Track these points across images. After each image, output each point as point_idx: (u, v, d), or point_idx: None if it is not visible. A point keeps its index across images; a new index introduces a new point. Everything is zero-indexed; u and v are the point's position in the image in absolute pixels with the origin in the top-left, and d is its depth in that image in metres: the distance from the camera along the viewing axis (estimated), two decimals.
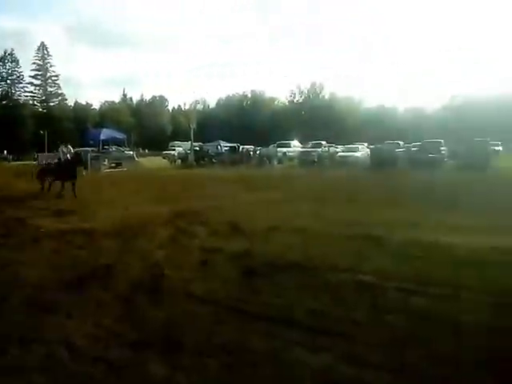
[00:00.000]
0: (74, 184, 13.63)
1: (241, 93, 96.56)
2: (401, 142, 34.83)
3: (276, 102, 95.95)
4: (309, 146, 37.50)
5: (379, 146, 34.35)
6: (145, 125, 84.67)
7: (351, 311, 3.92)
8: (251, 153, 37.18)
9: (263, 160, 34.10)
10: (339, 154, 34.39)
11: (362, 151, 34.51)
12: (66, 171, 13.87)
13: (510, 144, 47.90)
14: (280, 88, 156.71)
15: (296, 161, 34.42)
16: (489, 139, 30.21)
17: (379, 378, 2.85)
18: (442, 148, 29.95)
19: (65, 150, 15.27)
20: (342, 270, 5.09)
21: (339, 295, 4.35)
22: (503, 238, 6.44)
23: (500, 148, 41.64)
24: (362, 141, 42.56)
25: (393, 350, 3.22)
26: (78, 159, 14.89)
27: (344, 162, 30.80)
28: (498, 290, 4.32)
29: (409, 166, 27.05)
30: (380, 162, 28.07)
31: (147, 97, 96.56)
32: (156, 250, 6.27)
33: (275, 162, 34.17)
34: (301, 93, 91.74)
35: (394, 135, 45.87)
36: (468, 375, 2.85)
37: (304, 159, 32.71)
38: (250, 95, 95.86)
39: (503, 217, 8.29)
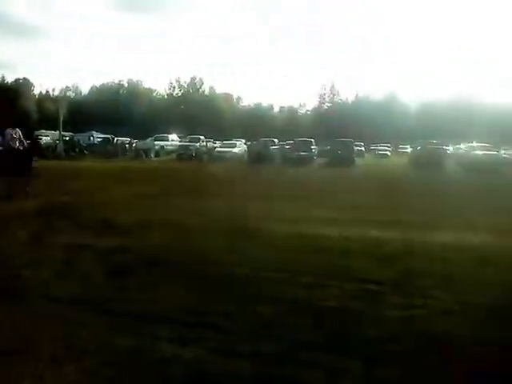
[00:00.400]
0: (28, 182, 10.37)
1: (116, 81, 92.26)
2: (275, 140, 36.42)
3: (154, 94, 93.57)
4: (187, 140, 37.29)
5: (255, 142, 35.52)
6: (5, 110, 76.17)
7: (224, 304, 3.94)
8: (127, 145, 35.75)
9: (139, 153, 33.06)
10: (217, 149, 34.83)
11: (240, 147, 35.38)
12: (19, 164, 10.35)
13: (371, 144, 53.25)
14: (159, 80, 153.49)
15: (174, 155, 33.99)
16: (352, 140, 33.19)
17: (249, 366, 2.90)
18: (313, 146, 32.07)
19: (13, 133, 11.24)
20: (217, 264, 5.12)
21: (213, 288, 4.36)
22: (365, 229, 7.10)
23: (363, 148, 46.09)
24: (239, 137, 43.56)
25: (263, 338, 3.30)
26: (36, 148, 11.05)
27: (222, 157, 31.27)
28: (356, 277, 4.72)
29: (282, 163, 28.46)
30: (256, 158, 29.07)
31: (9, 79, 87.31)
32: (14, 248, 5.65)
33: (152, 156, 33.36)
34: (180, 86, 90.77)
35: (270, 133, 47.78)
36: (334, 359, 3.04)
37: (182, 153, 32.49)
38: (126, 84, 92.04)
39: (360, 209, 9.17)
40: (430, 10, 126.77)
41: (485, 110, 70.58)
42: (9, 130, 11.39)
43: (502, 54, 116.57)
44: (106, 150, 33.19)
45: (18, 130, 11.45)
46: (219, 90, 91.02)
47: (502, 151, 33.27)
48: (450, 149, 41.83)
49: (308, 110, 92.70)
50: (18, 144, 11.19)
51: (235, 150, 33.86)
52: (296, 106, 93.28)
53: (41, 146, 10.77)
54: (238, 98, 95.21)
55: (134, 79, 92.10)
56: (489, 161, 25.64)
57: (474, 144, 30.72)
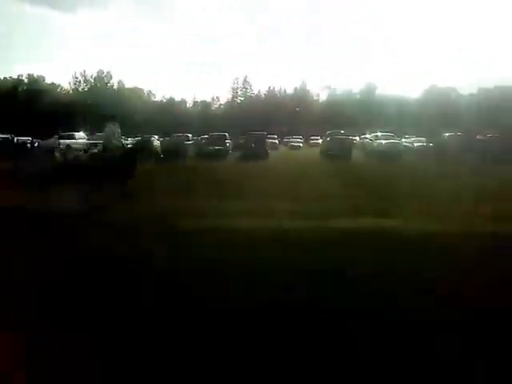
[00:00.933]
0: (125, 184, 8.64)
1: (15, 76, 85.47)
2: (190, 135, 35.94)
3: (59, 90, 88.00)
4: (96, 137, 35.50)
5: (168, 138, 34.81)
6: None
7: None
8: (28, 145, 33.26)
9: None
10: (129, 146, 33.55)
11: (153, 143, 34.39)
12: (127, 168, 8.76)
13: (285, 137, 54.64)
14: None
15: (82, 153, 32.26)
16: (266, 133, 33.68)
17: None
18: (227, 140, 32.13)
19: (115, 130, 9.41)
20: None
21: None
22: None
23: (277, 141, 47.17)
24: (152, 133, 42.34)
25: None
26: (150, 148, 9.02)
27: None
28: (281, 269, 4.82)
29: (197, 158, 28.22)
30: (170, 154, 28.42)
31: None
32: None
33: (57, 156, 31.34)
34: (86, 81, 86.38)
35: (184, 128, 47.02)
36: None
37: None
38: (26, 80, 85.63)
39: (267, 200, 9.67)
40: (430, 10, 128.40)
41: (391, 102, 75.51)
42: (110, 126, 9.34)
43: (502, 54, 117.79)
44: (3, 152, 30.55)
45: (117, 124, 9.26)
46: (129, 84, 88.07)
47: (403, 140, 35.74)
48: (357, 139, 44.16)
49: (221, 104, 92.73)
50: (113, 143, 9.65)
51: None
52: (209, 100, 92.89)
53: (153, 145, 8.62)
54: (150, 93, 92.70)
55: (35, 74, 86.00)
56: (390, 149, 27.39)
57: (379, 134, 32.60)
